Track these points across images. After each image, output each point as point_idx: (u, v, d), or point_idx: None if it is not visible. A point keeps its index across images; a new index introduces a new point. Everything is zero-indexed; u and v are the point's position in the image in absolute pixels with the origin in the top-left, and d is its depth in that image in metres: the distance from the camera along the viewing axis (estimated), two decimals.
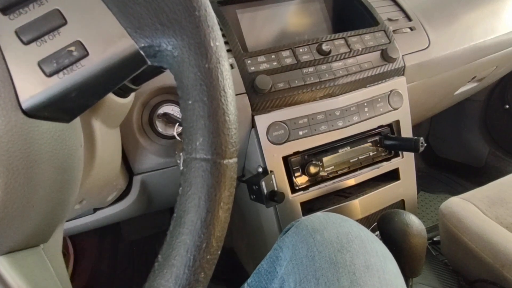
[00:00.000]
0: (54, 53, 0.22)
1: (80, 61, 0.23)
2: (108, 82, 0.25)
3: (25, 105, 0.22)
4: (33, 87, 0.22)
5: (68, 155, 0.27)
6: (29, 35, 0.22)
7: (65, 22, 0.23)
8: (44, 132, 0.24)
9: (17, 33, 0.22)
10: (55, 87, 0.22)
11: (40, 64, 0.22)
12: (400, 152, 0.73)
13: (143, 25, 0.23)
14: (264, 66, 0.61)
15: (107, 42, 0.23)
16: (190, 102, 0.23)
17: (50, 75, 0.22)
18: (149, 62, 0.24)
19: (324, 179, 0.68)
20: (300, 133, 0.63)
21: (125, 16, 0.23)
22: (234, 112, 0.24)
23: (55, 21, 0.22)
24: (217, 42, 0.23)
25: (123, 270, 1.15)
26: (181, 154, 0.50)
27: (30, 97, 0.22)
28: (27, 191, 0.23)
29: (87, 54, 0.23)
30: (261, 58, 0.62)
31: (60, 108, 0.24)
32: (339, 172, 0.69)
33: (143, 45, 0.23)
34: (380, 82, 0.69)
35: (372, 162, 0.71)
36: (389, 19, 0.74)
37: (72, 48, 0.22)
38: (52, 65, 0.22)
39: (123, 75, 0.25)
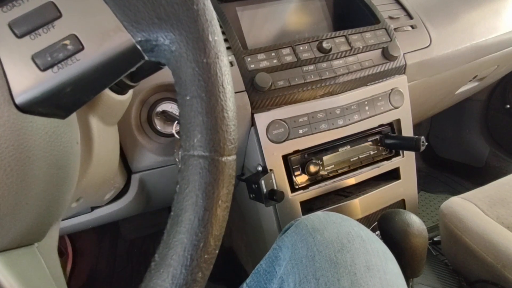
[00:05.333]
0: (48, 46, 0.22)
1: (75, 55, 0.22)
2: (104, 77, 0.24)
3: (18, 100, 0.22)
4: (26, 81, 0.21)
5: (63, 152, 0.26)
6: (23, 28, 0.21)
7: (59, 15, 0.22)
8: (38, 128, 0.23)
9: (10, 26, 0.21)
10: (49, 81, 0.22)
11: (34, 58, 0.21)
12: (400, 151, 0.72)
13: (140, 18, 0.22)
14: (264, 64, 0.61)
15: (103, 36, 0.22)
16: (188, 98, 0.22)
17: (44, 69, 0.22)
18: (146, 57, 0.24)
19: (324, 178, 0.67)
20: (300, 131, 0.62)
21: (121, 9, 0.22)
22: (233, 109, 0.23)
23: (50, 14, 0.22)
24: (216, 36, 0.23)
25: (122, 269, 1.15)
26: (179, 151, 0.49)
27: (24, 92, 0.22)
28: (20, 188, 0.23)
29: (82, 48, 0.22)
30: (261, 56, 0.61)
31: (54, 104, 0.23)
32: (339, 171, 0.68)
33: (140, 39, 0.23)
34: (381, 80, 0.69)
35: (372, 161, 0.71)
36: (390, 17, 0.74)
37: (67, 42, 0.22)
38: (46, 59, 0.21)
39: (120, 70, 0.25)
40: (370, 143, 0.70)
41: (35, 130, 0.23)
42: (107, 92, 0.35)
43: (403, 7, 0.77)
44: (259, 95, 0.60)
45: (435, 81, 0.79)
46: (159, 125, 0.56)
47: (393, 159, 0.72)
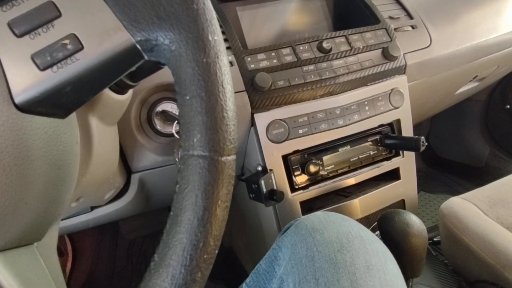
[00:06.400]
0: (48, 46, 0.22)
1: (74, 54, 0.22)
2: (104, 77, 0.24)
3: (18, 99, 0.22)
4: (26, 81, 0.21)
5: (63, 151, 0.26)
6: (22, 28, 0.21)
7: (59, 15, 0.22)
8: (38, 127, 0.23)
9: (10, 25, 0.21)
10: (49, 81, 0.22)
11: (33, 58, 0.21)
12: (400, 152, 0.72)
13: (140, 18, 0.22)
14: (264, 64, 0.61)
15: (102, 35, 0.22)
16: (187, 97, 0.22)
17: (43, 69, 0.22)
18: (146, 57, 0.24)
19: (324, 178, 0.67)
20: (300, 131, 0.62)
21: (121, 8, 0.22)
22: (232, 108, 0.23)
23: (49, 14, 0.22)
24: (216, 36, 0.23)
25: (122, 269, 1.15)
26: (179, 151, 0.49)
27: (23, 91, 0.21)
28: (20, 187, 0.23)
29: (81, 48, 0.22)
30: (261, 56, 0.61)
31: (54, 103, 0.23)
32: (339, 171, 0.68)
33: (139, 38, 0.22)
34: (381, 80, 0.69)
35: (372, 161, 0.71)
36: (390, 17, 0.74)
37: (67, 42, 0.22)
38: (45, 59, 0.21)
39: (120, 70, 0.24)
40: (370, 143, 0.70)
41: (34, 130, 0.23)
42: (107, 91, 0.35)
43: (403, 7, 0.77)
44: (259, 95, 0.60)
45: (435, 81, 0.79)
46: (159, 125, 0.56)
47: (393, 159, 0.72)
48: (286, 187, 0.63)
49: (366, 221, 0.71)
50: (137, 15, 0.22)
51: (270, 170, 0.60)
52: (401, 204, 0.75)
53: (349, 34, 0.68)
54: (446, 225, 0.66)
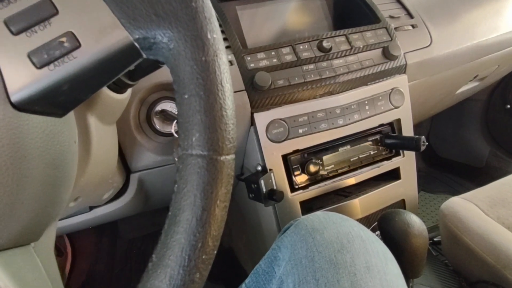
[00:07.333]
0: (45, 44, 0.21)
1: (71, 52, 0.22)
2: (101, 75, 0.24)
3: (14, 98, 0.21)
4: (22, 79, 0.21)
5: (60, 151, 0.26)
6: (19, 25, 0.21)
7: (56, 12, 0.22)
8: (34, 126, 0.23)
9: (6, 23, 0.21)
10: (46, 79, 0.21)
11: (30, 56, 0.21)
12: (401, 151, 0.72)
13: (138, 15, 0.22)
14: (263, 63, 0.61)
15: (100, 33, 0.22)
16: (186, 96, 0.22)
17: (40, 67, 0.21)
18: (144, 55, 0.23)
19: (324, 178, 0.67)
20: (300, 131, 0.62)
21: (118, 6, 0.22)
22: (231, 107, 0.23)
23: (46, 11, 0.21)
24: (215, 34, 0.22)
25: (121, 269, 1.14)
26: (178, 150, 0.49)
27: (20, 89, 0.21)
28: (16, 187, 0.22)
29: (79, 46, 0.22)
30: (260, 55, 0.61)
31: (51, 102, 0.23)
32: (339, 171, 0.68)
33: (137, 36, 0.22)
34: (381, 80, 0.68)
35: (372, 161, 0.70)
36: (391, 17, 0.73)
37: (64, 39, 0.21)
38: (42, 57, 0.21)
39: (118, 68, 0.24)
40: (370, 142, 0.70)
41: (31, 129, 0.23)
42: (106, 90, 0.35)
43: (404, 7, 0.77)
44: (258, 94, 0.59)
45: (436, 80, 0.79)
46: (158, 124, 0.56)
47: (393, 159, 0.72)
48: (286, 187, 0.63)
49: (366, 221, 0.71)
50: (135, 12, 0.22)
51: (270, 169, 0.60)
52: (401, 204, 0.74)
53: (349, 33, 0.67)
54: (446, 225, 0.66)
